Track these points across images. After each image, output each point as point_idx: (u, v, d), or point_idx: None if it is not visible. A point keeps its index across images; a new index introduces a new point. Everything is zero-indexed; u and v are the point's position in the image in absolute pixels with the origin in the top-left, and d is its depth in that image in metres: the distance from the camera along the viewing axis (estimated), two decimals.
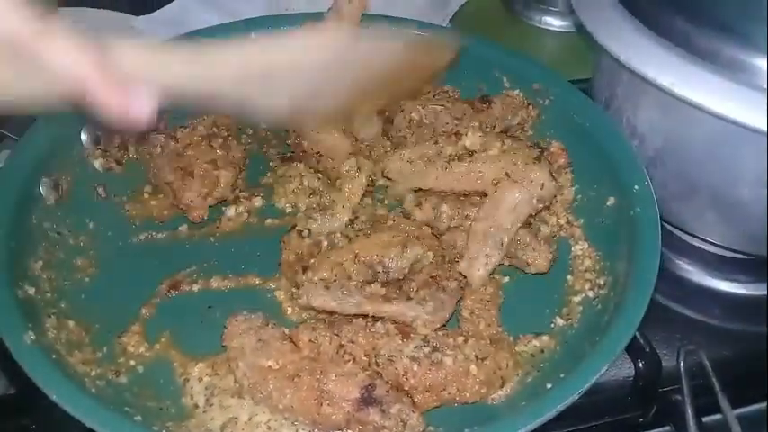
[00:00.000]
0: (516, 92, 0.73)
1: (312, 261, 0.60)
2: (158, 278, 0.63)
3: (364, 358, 0.54)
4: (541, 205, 0.62)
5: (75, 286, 0.62)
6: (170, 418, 0.54)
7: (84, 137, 0.68)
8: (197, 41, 0.67)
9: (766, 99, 0.55)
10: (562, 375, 0.53)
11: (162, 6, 0.94)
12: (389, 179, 0.66)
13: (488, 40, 0.80)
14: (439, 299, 0.58)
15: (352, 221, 0.65)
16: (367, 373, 0.53)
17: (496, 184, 0.62)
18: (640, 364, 0.60)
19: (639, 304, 0.55)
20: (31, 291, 0.57)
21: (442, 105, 0.70)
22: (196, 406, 0.54)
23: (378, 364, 0.54)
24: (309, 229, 0.64)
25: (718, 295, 0.72)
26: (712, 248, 0.73)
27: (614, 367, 0.63)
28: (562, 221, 0.68)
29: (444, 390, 0.54)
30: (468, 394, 0.54)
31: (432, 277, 0.59)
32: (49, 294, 0.59)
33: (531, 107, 0.73)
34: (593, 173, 0.67)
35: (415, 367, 0.54)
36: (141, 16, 0.93)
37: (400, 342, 0.55)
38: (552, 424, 0.58)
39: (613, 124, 0.68)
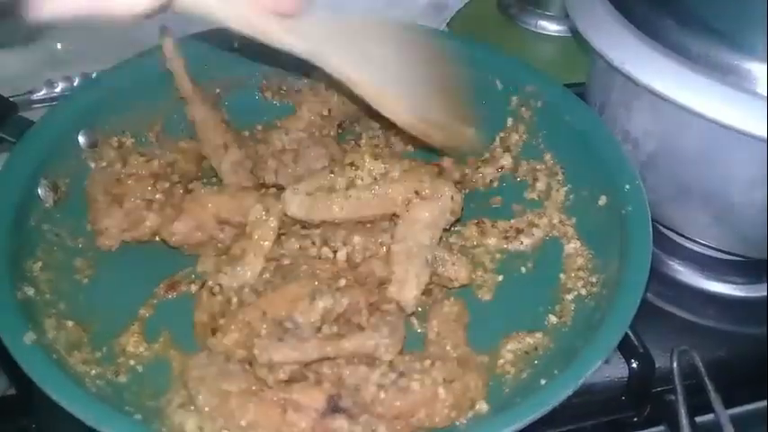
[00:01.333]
0: None
1: (221, 321, 0.58)
2: (156, 279, 0.64)
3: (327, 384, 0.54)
4: (453, 218, 0.63)
5: (73, 287, 0.63)
6: None
7: (81, 139, 0.68)
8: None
9: (759, 103, 0.56)
10: (556, 372, 0.54)
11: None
12: (290, 217, 0.63)
13: (481, 43, 0.81)
14: (388, 322, 0.57)
15: (262, 271, 0.61)
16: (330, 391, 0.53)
17: (407, 204, 0.62)
18: (634, 365, 0.62)
19: (632, 300, 0.56)
20: (30, 292, 0.58)
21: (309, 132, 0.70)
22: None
23: (344, 396, 0.54)
24: (220, 285, 0.60)
25: (711, 297, 0.73)
26: (706, 250, 0.75)
27: (608, 368, 0.64)
28: (555, 221, 0.70)
29: (413, 416, 0.53)
30: (437, 419, 0.54)
31: (371, 304, 0.59)
32: (48, 295, 0.60)
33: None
34: (586, 173, 0.68)
35: (383, 395, 0.53)
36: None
37: (366, 370, 0.54)
38: (546, 424, 0.59)
39: (604, 126, 0.69)
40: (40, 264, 0.61)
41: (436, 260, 0.63)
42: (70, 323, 0.59)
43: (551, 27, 1.02)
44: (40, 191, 0.64)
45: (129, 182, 0.66)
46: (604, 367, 0.63)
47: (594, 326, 0.56)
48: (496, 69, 0.76)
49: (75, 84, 0.87)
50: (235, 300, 0.59)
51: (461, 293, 0.64)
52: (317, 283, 0.58)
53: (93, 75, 0.83)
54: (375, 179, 0.63)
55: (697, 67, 0.59)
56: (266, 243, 0.61)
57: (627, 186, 0.64)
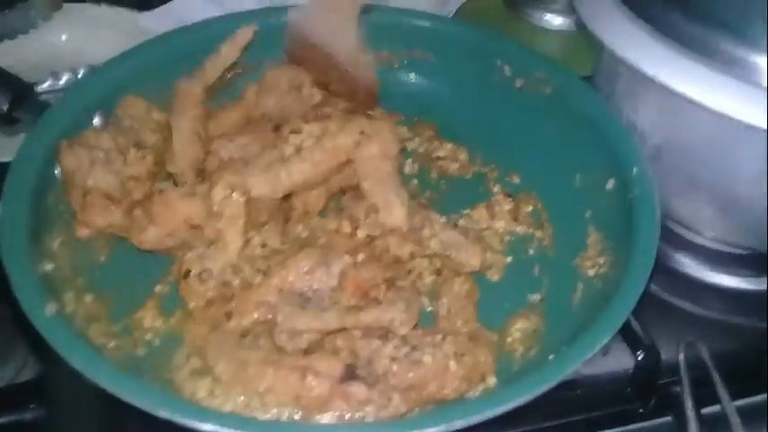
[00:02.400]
0: None
1: (232, 305, 0.59)
2: (172, 257, 0.65)
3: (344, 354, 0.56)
4: (400, 145, 0.69)
5: (91, 264, 0.64)
6: None
7: (96, 121, 0.70)
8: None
9: (766, 96, 0.56)
10: (564, 348, 0.55)
11: (166, 2, 0.95)
12: (251, 197, 0.63)
13: (490, 30, 0.83)
14: (404, 297, 0.59)
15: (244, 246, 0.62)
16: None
17: (357, 146, 0.65)
18: (640, 356, 0.62)
19: (640, 279, 0.57)
20: (50, 267, 0.59)
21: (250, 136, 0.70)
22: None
23: (359, 367, 0.56)
24: (209, 269, 0.60)
25: (718, 289, 0.74)
26: (712, 243, 0.75)
27: (613, 359, 0.65)
28: None
29: (425, 388, 0.55)
30: (448, 391, 0.55)
31: (386, 280, 0.61)
32: (66, 271, 0.61)
33: None
34: (594, 157, 0.70)
35: (395, 367, 0.55)
36: (146, 12, 0.94)
37: (379, 343, 0.56)
38: (552, 415, 0.60)
39: (612, 110, 0.71)
40: (58, 240, 0.62)
41: (449, 246, 0.65)
42: (89, 297, 0.60)
43: (556, 21, 1.03)
44: (56, 171, 0.65)
45: (131, 183, 0.66)
46: (610, 359, 0.65)
47: (602, 305, 0.57)
48: (505, 56, 0.77)
49: (80, 75, 0.88)
50: (237, 282, 0.60)
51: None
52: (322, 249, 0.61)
53: (99, 66, 0.84)
54: (318, 138, 0.66)
55: (704, 59, 0.60)
56: (239, 220, 0.62)
57: (634, 170, 0.65)
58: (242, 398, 0.54)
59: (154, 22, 0.93)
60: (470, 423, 0.49)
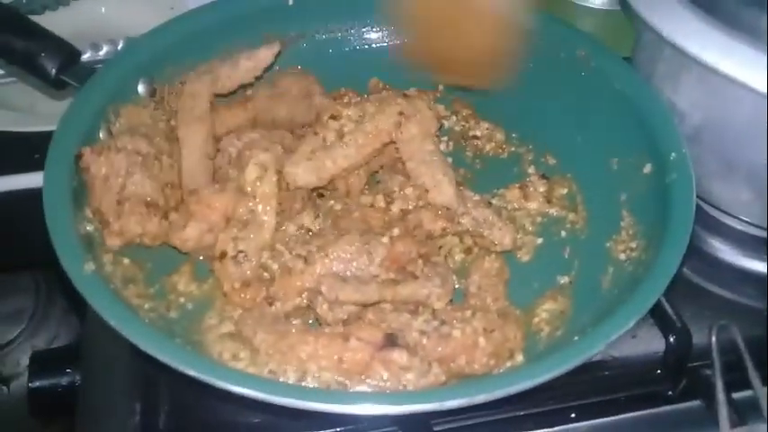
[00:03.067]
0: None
1: (272, 290, 0.60)
2: None
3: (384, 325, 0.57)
4: (439, 123, 0.70)
5: None
6: None
7: (140, 88, 0.71)
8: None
9: None
10: (589, 330, 0.55)
11: None
12: (297, 186, 0.65)
13: (531, 7, 0.80)
14: (440, 273, 0.60)
15: (305, 232, 0.63)
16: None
17: (398, 127, 0.66)
18: (671, 339, 0.62)
19: (670, 266, 0.57)
20: (90, 228, 0.61)
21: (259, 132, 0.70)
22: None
23: (392, 339, 0.57)
24: (244, 251, 0.61)
25: (751, 275, 0.74)
26: (747, 228, 0.75)
27: (645, 341, 0.65)
28: None
29: (454, 362, 0.56)
30: (477, 366, 0.56)
31: (420, 255, 0.61)
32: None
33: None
34: (632, 140, 0.69)
35: (425, 341, 0.56)
36: None
37: (409, 317, 0.57)
38: (582, 394, 0.60)
39: (655, 92, 0.70)
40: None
41: (483, 224, 0.65)
42: (126, 260, 0.61)
43: (597, 0, 1.01)
44: (100, 134, 0.66)
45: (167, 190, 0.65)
46: (641, 340, 0.65)
47: (631, 289, 0.57)
48: (545, 34, 0.76)
49: (119, 47, 0.89)
50: (276, 267, 0.61)
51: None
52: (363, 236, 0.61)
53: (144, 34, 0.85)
54: (357, 121, 0.67)
55: (746, 38, 0.60)
56: (272, 200, 0.62)
57: (673, 155, 0.64)
58: (270, 365, 0.55)
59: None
60: (494, 398, 0.49)
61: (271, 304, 0.59)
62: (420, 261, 0.61)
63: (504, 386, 0.50)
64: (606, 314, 0.55)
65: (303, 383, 0.54)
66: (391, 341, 0.55)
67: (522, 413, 0.60)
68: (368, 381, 0.54)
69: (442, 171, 0.65)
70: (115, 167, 0.62)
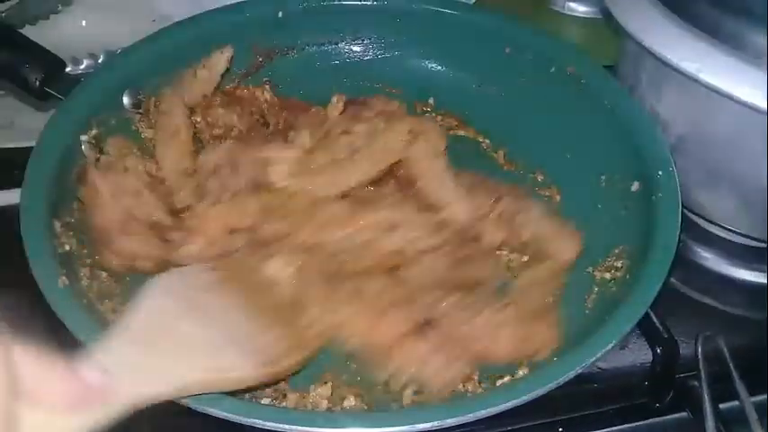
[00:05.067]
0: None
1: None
2: None
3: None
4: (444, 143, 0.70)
5: None
6: None
7: (126, 100, 0.71)
8: None
9: None
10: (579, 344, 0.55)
11: None
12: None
13: (522, 22, 0.82)
14: None
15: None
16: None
17: (408, 145, 0.68)
18: (658, 350, 0.62)
19: (652, 287, 0.57)
20: (67, 246, 0.60)
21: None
22: None
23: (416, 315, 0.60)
24: None
25: (738, 284, 0.74)
26: (733, 237, 0.76)
27: (631, 353, 0.65)
28: None
29: (474, 344, 0.58)
30: (499, 355, 0.58)
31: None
32: (85, 251, 0.62)
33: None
34: (620, 157, 0.69)
35: (452, 315, 0.58)
36: None
37: (443, 294, 0.60)
38: (568, 408, 0.60)
39: (643, 110, 0.70)
40: (76, 216, 0.63)
41: (541, 237, 0.66)
42: (104, 274, 0.61)
43: (581, 9, 1.03)
44: (83, 147, 0.66)
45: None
46: (628, 352, 0.65)
47: (615, 307, 0.57)
48: (535, 48, 0.77)
49: (100, 61, 0.88)
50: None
51: None
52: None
53: (118, 51, 0.85)
54: (367, 137, 0.68)
55: (729, 48, 0.60)
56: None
57: (660, 173, 0.65)
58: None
59: (173, 8, 0.93)
60: (464, 421, 0.49)
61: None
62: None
63: (483, 407, 0.49)
64: (596, 327, 0.55)
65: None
66: (420, 330, 0.57)
67: (509, 428, 0.60)
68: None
69: (452, 189, 0.66)
70: (122, 186, 0.63)
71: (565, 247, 0.65)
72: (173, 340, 0.49)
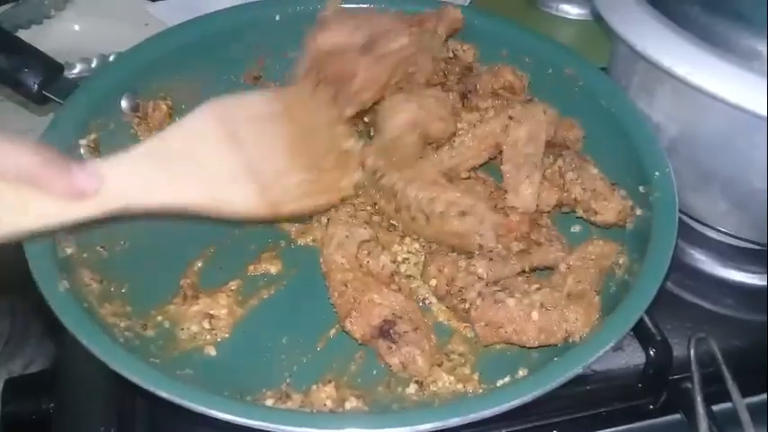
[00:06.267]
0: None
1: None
2: (194, 250, 0.67)
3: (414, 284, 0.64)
4: (552, 129, 0.70)
5: (112, 251, 0.65)
6: None
7: (124, 103, 0.72)
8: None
9: None
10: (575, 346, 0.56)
11: None
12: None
13: (517, 24, 0.83)
14: (554, 236, 0.66)
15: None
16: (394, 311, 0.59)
17: (505, 129, 0.68)
18: (651, 352, 0.62)
19: (649, 289, 0.57)
20: (69, 250, 0.61)
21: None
22: None
23: (451, 293, 0.61)
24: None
25: (730, 285, 0.75)
26: (725, 239, 0.76)
27: (625, 355, 0.66)
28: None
29: (502, 328, 0.58)
30: (527, 338, 0.58)
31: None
32: (85, 255, 0.62)
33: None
34: (617, 158, 0.70)
35: (479, 302, 0.59)
36: (158, 2, 0.95)
37: (474, 278, 0.60)
38: (563, 410, 0.61)
39: (639, 112, 0.70)
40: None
41: (594, 194, 0.66)
42: (104, 280, 0.62)
43: (573, 11, 1.04)
44: (82, 152, 0.67)
45: None
46: (621, 354, 0.65)
47: (615, 305, 0.57)
48: (533, 51, 0.78)
49: (93, 65, 0.88)
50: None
51: None
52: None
53: (111, 57, 0.85)
54: (473, 125, 0.69)
55: (720, 51, 0.61)
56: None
57: (657, 174, 0.65)
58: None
59: (165, 13, 0.93)
60: (465, 421, 0.50)
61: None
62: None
63: (474, 410, 0.50)
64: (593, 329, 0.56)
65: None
66: (383, 331, 0.58)
67: (504, 431, 0.60)
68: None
69: (527, 174, 0.67)
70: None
71: (610, 207, 0.65)
72: (192, 163, 0.52)
